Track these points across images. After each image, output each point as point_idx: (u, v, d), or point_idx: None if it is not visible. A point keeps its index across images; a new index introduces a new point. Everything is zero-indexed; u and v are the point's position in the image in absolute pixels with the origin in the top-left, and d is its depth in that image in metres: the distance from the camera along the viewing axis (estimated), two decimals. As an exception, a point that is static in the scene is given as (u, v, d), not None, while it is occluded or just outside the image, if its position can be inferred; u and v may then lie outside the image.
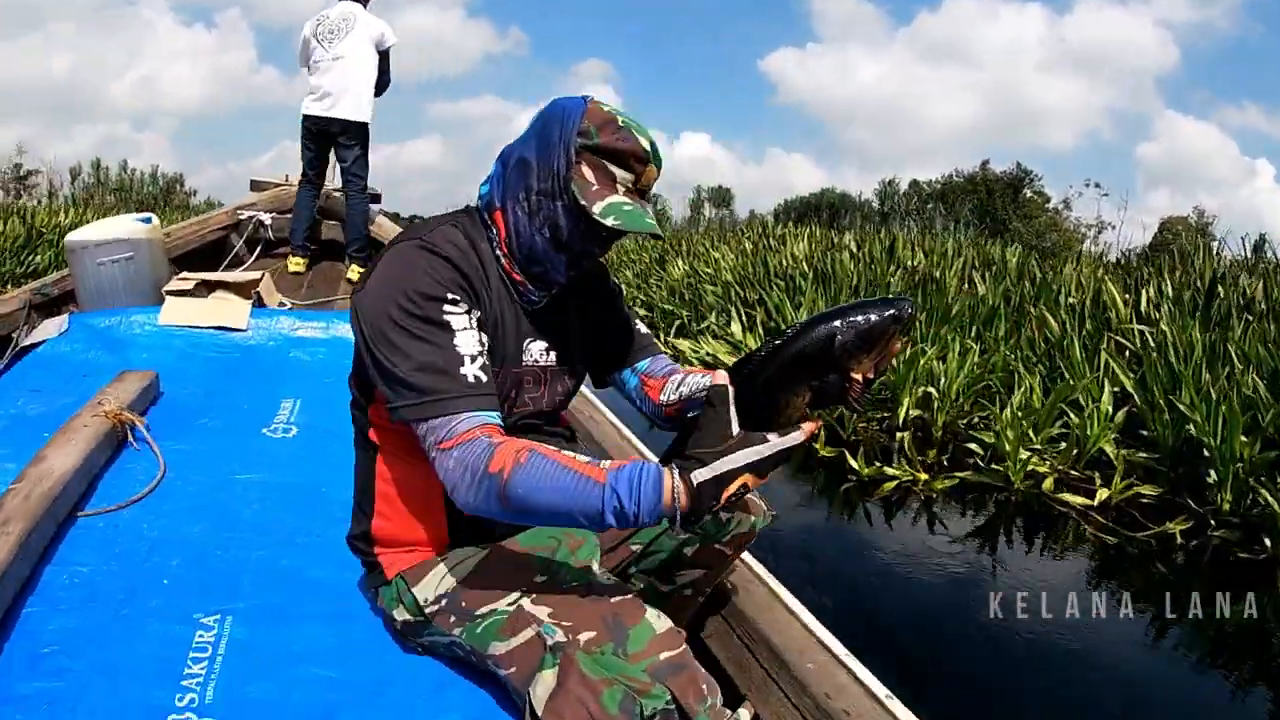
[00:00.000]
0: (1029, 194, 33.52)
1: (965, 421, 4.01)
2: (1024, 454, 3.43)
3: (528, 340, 1.29)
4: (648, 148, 1.18)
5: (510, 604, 1.19)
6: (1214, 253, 6.39)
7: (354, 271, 4.75)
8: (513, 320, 1.27)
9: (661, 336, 6.55)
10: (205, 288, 3.40)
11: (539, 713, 1.04)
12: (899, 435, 3.97)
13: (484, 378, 1.14)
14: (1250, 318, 4.14)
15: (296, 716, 1.25)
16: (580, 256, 1.24)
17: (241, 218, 5.21)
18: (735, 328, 5.57)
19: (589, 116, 1.17)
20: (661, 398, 1.42)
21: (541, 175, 1.18)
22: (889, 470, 3.53)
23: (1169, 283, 4.93)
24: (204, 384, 2.69)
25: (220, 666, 1.33)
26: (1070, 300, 4.93)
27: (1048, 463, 3.48)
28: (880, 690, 1.36)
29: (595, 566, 1.25)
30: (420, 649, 1.34)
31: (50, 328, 2.99)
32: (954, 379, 3.98)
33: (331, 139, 4.63)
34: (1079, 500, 3.27)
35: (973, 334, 4.67)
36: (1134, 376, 3.72)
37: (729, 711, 1.17)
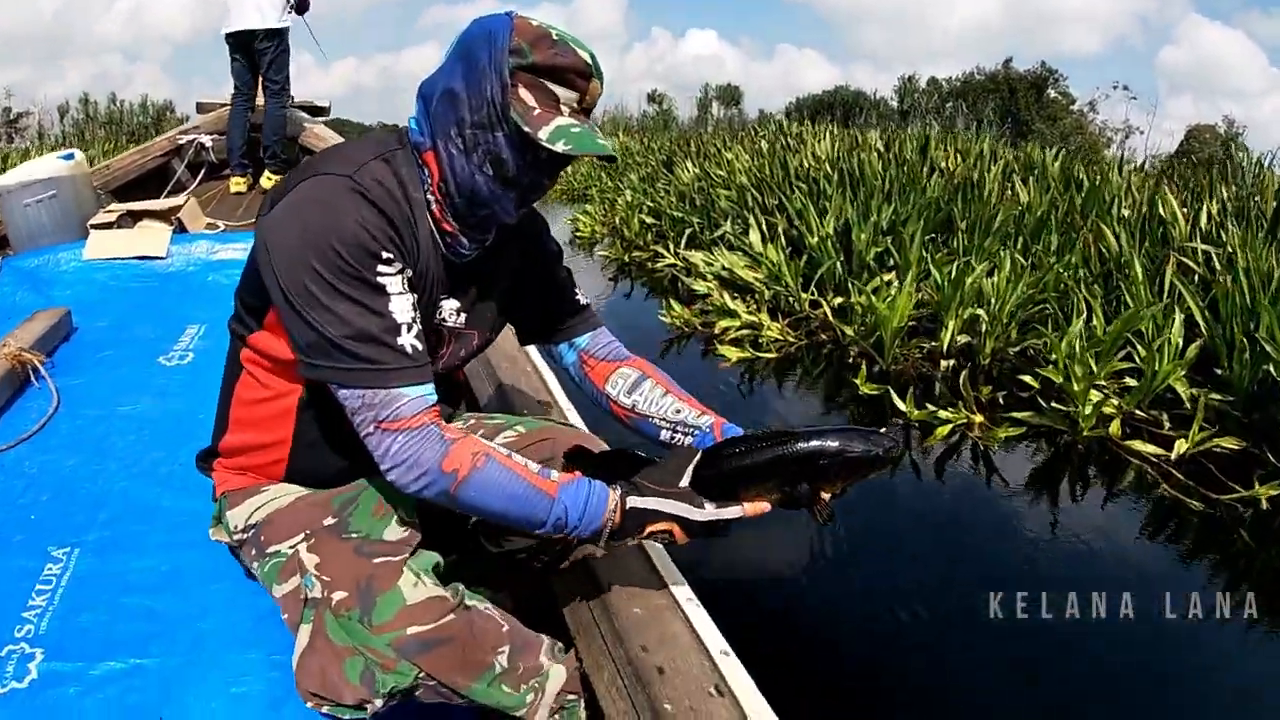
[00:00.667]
0: (1053, 94, 32.00)
1: (1016, 350, 3.59)
2: (1093, 393, 3.00)
3: (442, 297, 1.24)
4: (589, 61, 1.10)
5: (291, 547, 1.19)
6: (1264, 165, 5.89)
7: (267, 180, 4.75)
8: (434, 275, 1.19)
9: (671, 247, 6.04)
10: (131, 218, 3.43)
11: (294, 667, 1.08)
12: (943, 364, 3.59)
13: (420, 347, 1.10)
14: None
15: (116, 647, 1.32)
16: (530, 190, 1.16)
17: (182, 142, 5.13)
18: (754, 237, 5.04)
19: (519, 33, 1.07)
20: (610, 390, 1.41)
21: (474, 105, 1.08)
22: (942, 414, 3.05)
23: (1227, 196, 4.46)
24: (117, 316, 2.72)
25: (60, 599, 1.42)
26: (1124, 212, 4.44)
27: (1114, 402, 3.05)
28: (717, 644, 1.25)
29: (399, 518, 1.21)
30: (250, 576, 1.31)
31: (-20, 274, 2.97)
32: (1006, 299, 3.55)
33: (251, 50, 4.74)
34: (1152, 450, 2.84)
35: (1019, 247, 4.20)
36: (1202, 305, 3.28)
37: (549, 664, 1.23)
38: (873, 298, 3.88)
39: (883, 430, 1.16)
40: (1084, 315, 3.36)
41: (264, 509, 1.25)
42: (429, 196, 1.15)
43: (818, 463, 1.13)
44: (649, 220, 7.02)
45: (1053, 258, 3.99)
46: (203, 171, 5.08)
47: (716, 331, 4.30)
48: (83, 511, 1.67)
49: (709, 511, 1.16)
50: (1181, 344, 3.11)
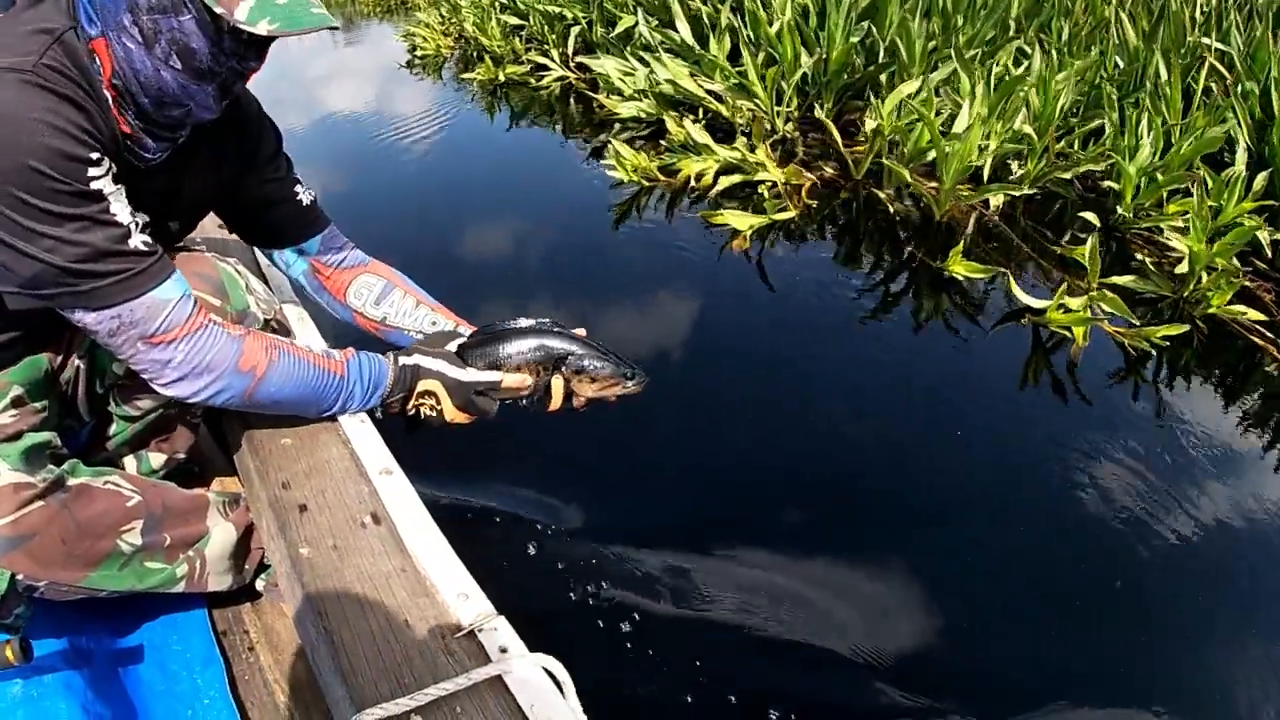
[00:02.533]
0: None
1: (1070, 176, 2.98)
2: (1198, 246, 2.40)
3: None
4: None
5: None
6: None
7: None
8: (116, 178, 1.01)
9: (555, 55, 4.96)
10: None
11: None
12: (991, 200, 2.97)
13: (150, 240, 1.01)
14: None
15: None
16: (232, 79, 1.02)
17: None
18: (683, 29, 3.98)
19: None
20: (354, 302, 1.39)
21: None
22: (1072, 303, 2.39)
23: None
24: None
25: None
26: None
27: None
28: (378, 464, 1.18)
29: (12, 400, 1.08)
30: None
31: None
32: (1051, 106, 2.91)
33: None
34: (1255, 315, 2.31)
35: (1026, 38, 3.51)
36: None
37: (215, 525, 1.23)
38: (929, 118, 2.93)
39: (635, 365, 1.32)
40: (1138, 133, 2.79)
41: None
42: (105, 92, 0.99)
43: (565, 359, 1.29)
44: (513, 22, 5.75)
45: (1064, 52, 3.32)
46: None
47: (694, 182, 3.41)
48: None
49: (471, 373, 1.24)
50: (1246, 173, 2.56)
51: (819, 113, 3.63)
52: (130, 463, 1.38)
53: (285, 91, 5.80)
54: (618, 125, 4.13)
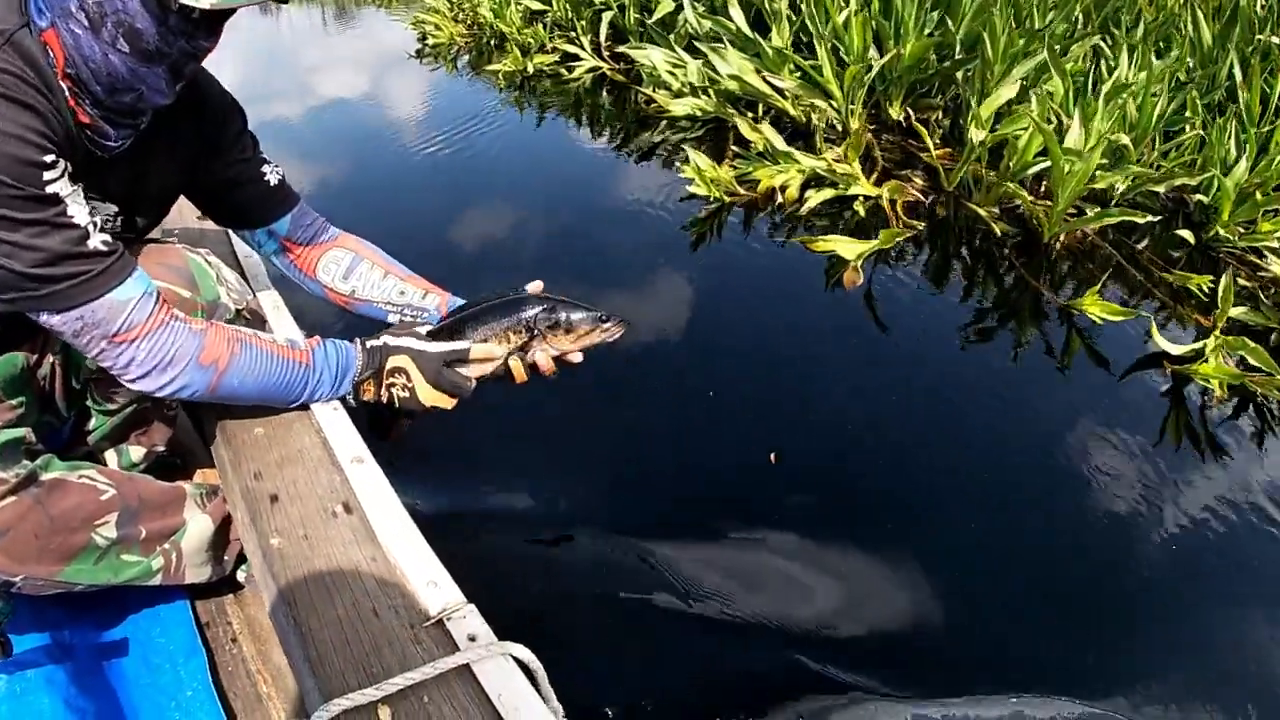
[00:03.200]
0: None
1: (1162, 189, 2.76)
2: None
3: (93, 198, 1.08)
4: None
5: None
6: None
7: None
8: (79, 172, 1.01)
9: (586, 44, 4.53)
10: None
11: None
12: (1093, 223, 2.63)
13: (110, 240, 1.01)
14: None
15: None
16: (184, 60, 1.00)
17: None
18: (737, 16, 3.55)
19: None
20: (323, 277, 1.41)
21: None
22: (1213, 367, 2.11)
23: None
24: None
25: None
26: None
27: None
28: (349, 452, 1.18)
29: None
30: None
31: None
32: (1149, 114, 2.72)
33: None
34: None
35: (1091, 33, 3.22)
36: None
37: (192, 516, 1.23)
38: (1048, 132, 2.57)
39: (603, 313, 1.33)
40: (1226, 143, 2.66)
41: None
42: (61, 84, 0.98)
43: (535, 318, 1.30)
44: (534, 6, 5.17)
45: (1146, 54, 3.04)
46: None
47: (779, 196, 2.94)
48: None
49: (438, 345, 1.26)
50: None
51: (893, 112, 3.32)
52: (111, 457, 1.38)
53: (292, 88, 5.50)
54: (664, 122, 3.78)
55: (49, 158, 0.93)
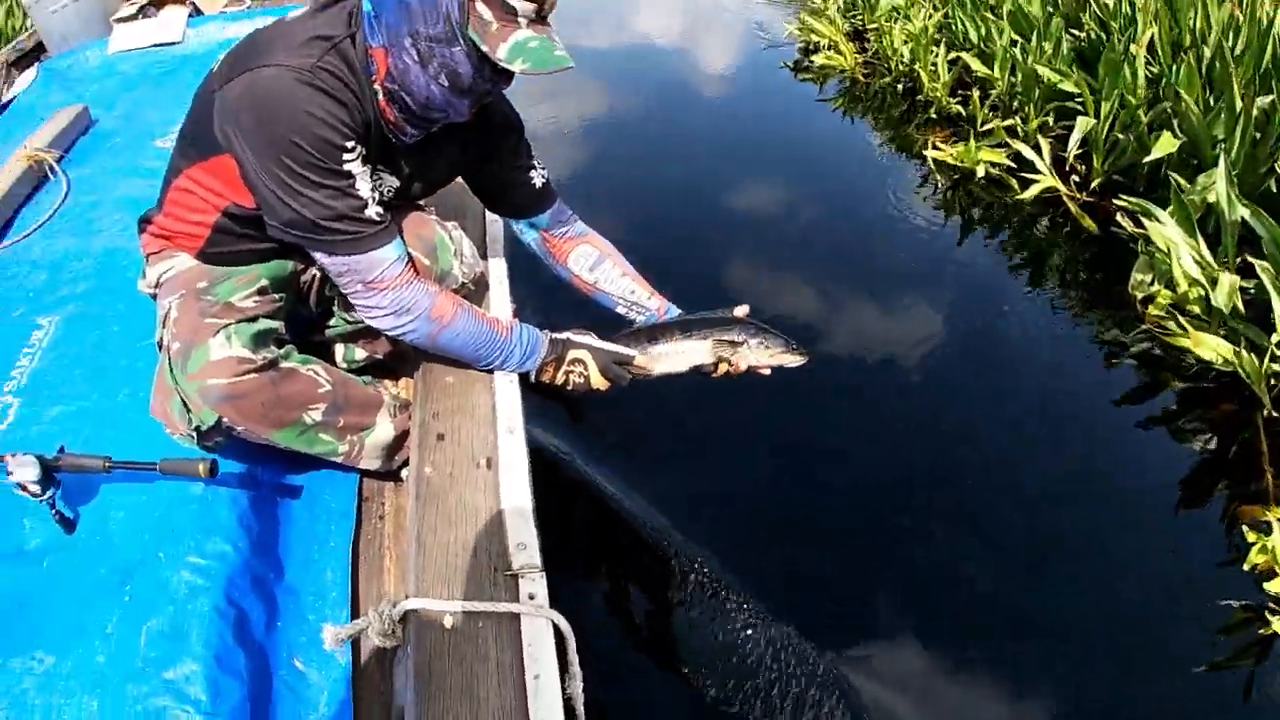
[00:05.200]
0: None
1: None
2: None
3: (383, 170, 1.35)
4: None
5: (168, 303, 1.37)
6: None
7: None
8: (375, 151, 1.30)
9: (1045, 160, 3.06)
10: (154, 7, 3.59)
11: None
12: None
13: (384, 212, 1.28)
14: None
15: (69, 398, 1.59)
16: (486, 95, 1.26)
17: None
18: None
19: None
20: (573, 267, 1.66)
21: (429, 19, 1.13)
22: None
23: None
24: (132, 105, 2.85)
25: (39, 358, 1.69)
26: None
27: None
28: (506, 421, 1.43)
29: (258, 289, 1.42)
30: None
31: (24, 80, 3.22)
32: None
33: None
34: None
35: None
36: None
37: (381, 421, 1.53)
38: None
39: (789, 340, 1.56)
40: None
41: (169, 272, 1.43)
42: (375, 87, 1.23)
43: (742, 328, 1.56)
44: (976, 65, 3.78)
45: None
46: None
47: None
48: (66, 285, 1.91)
49: (612, 345, 1.52)
50: None
51: None
52: (340, 349, 1.71)
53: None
54: (1164, 348, 2.38)
55: (349, 143, 1.18)
